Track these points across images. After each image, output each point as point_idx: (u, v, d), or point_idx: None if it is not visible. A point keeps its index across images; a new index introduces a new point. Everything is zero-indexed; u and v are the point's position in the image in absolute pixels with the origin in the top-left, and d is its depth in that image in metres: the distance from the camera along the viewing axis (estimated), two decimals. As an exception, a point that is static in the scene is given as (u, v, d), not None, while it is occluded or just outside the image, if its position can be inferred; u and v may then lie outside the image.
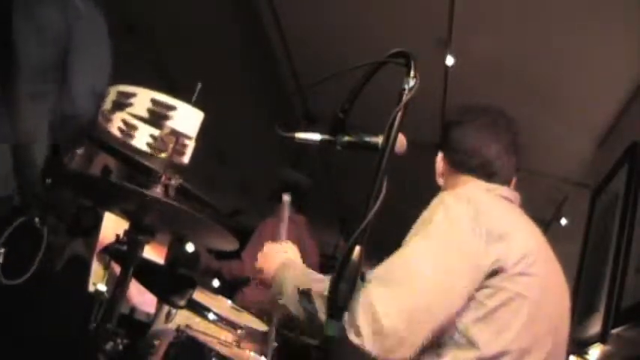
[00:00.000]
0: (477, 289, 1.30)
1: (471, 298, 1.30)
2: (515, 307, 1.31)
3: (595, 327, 2.91)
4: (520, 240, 1.36)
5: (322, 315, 1.26)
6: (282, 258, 1.54)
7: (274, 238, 3.96)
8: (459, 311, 1.29)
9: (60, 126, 2.14)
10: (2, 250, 1.96)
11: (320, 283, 1.35)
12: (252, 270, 3.74)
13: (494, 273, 1.31)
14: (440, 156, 1.66)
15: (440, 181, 1.66)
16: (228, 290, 3.89)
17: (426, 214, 1.39)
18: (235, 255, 3.85)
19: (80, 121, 2.11)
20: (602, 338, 2.80)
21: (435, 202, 1.41)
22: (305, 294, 1.32)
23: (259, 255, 1.58)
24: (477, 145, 1.58)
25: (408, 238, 1.37)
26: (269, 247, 1.60)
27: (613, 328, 2.72)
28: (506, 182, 1.58)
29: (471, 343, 1.29)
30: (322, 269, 4.00)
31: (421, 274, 1.27)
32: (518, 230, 1.39)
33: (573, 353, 3.00)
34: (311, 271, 1.47)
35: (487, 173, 1.56)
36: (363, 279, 1.25)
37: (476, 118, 1.61)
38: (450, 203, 1.37)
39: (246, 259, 3.83)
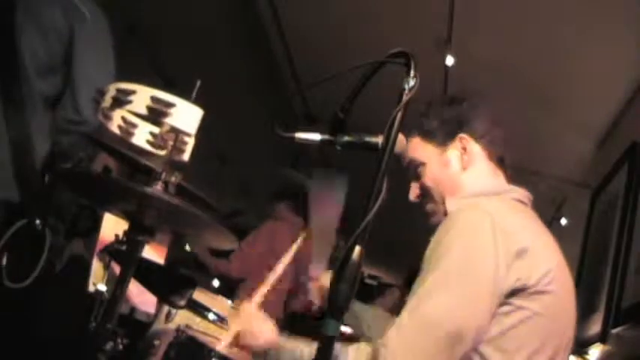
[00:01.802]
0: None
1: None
2: (533, 325, 1.29)
3: (595, 327, 2.91)
4: (541, 255, 1.33)
5: None
6: (270, 336, 1.51)
7: (271, 241, 3.92)
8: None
9: (65, 131, 2.13)
10: (5, 254, 1.95)
11: None
12: (239, 272, 3.73)
13: (514, 292, 1.29)
14: (462, 144, 1.55)
15: (459, 173, 1.55)
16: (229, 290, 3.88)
17: (442, 236, 1.34)
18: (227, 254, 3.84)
19: (85, 127, 2.10)
20: (602, 338, 2.80)
21: (451, 220, 1.36)
22: None
23: (242, 321, 1.58)
24: (498, 131, 1.56)
25: (427, 265, 1.33)
26: (253, 322, 1.57)
27: (613, 328, 2.72)
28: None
29: None
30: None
31: (444, 325, 1.25)
32: (538, 244, 1.35)
33: (573, 353, 2.99)
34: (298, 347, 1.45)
35: (503, 162, 1.56)
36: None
37: (477, 101, 1.58)
38: (468, 226, 1.32)
39: (234, 259, 3.78)
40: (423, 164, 1.58)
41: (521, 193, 1.51)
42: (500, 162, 1.58)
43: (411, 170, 1.61)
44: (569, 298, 1.42)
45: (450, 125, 1.57)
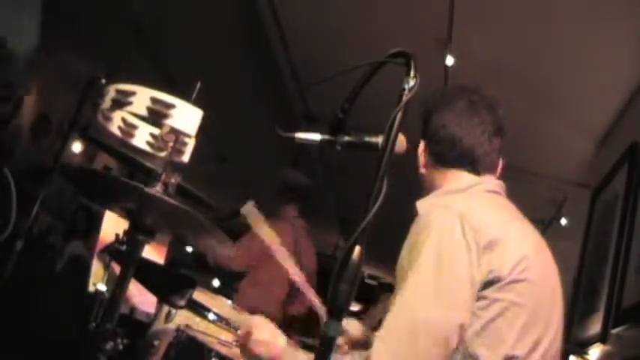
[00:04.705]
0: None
1: None
2: (511, 316, 1.30)
3: (595, 327, 2.91)
4: (513, 244, 1.34)
5: None
6: (281, 345, 1.49)
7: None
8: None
9: None
10: None
11: None
12: (241, 265, 3.73)
13: (488, 284, 1.30)
14: (422, 146, 1.62)
15: (422, 171, 1.62)
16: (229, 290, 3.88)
17: (414, 240, 1.35)
18: None
19: None
20: (602, 338, 2.80)
21: (421, 222, 1.37)
22: None
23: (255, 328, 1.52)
24: (458, 133, 1.54)
25: (403, 271, 1.34)
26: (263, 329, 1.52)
27: (613, 328, 2.72)
28: (490, 169, 1.55)
29: (473, 359, 1.28)
30: (319, 271, 4.01)
31: (423, 330, 1.26)
32: (510, 234, 1.37)
33: (573, 353, 3.00)
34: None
35: (469, 162, 1.53)
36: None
37: (454, 103, 1.58)
38: (438, 226, 1.33)
39: (236, 253, 3.76)
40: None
41: (493, 183, 1.53)
42: None
43: None
44: (550, 283, 1.43)
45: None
